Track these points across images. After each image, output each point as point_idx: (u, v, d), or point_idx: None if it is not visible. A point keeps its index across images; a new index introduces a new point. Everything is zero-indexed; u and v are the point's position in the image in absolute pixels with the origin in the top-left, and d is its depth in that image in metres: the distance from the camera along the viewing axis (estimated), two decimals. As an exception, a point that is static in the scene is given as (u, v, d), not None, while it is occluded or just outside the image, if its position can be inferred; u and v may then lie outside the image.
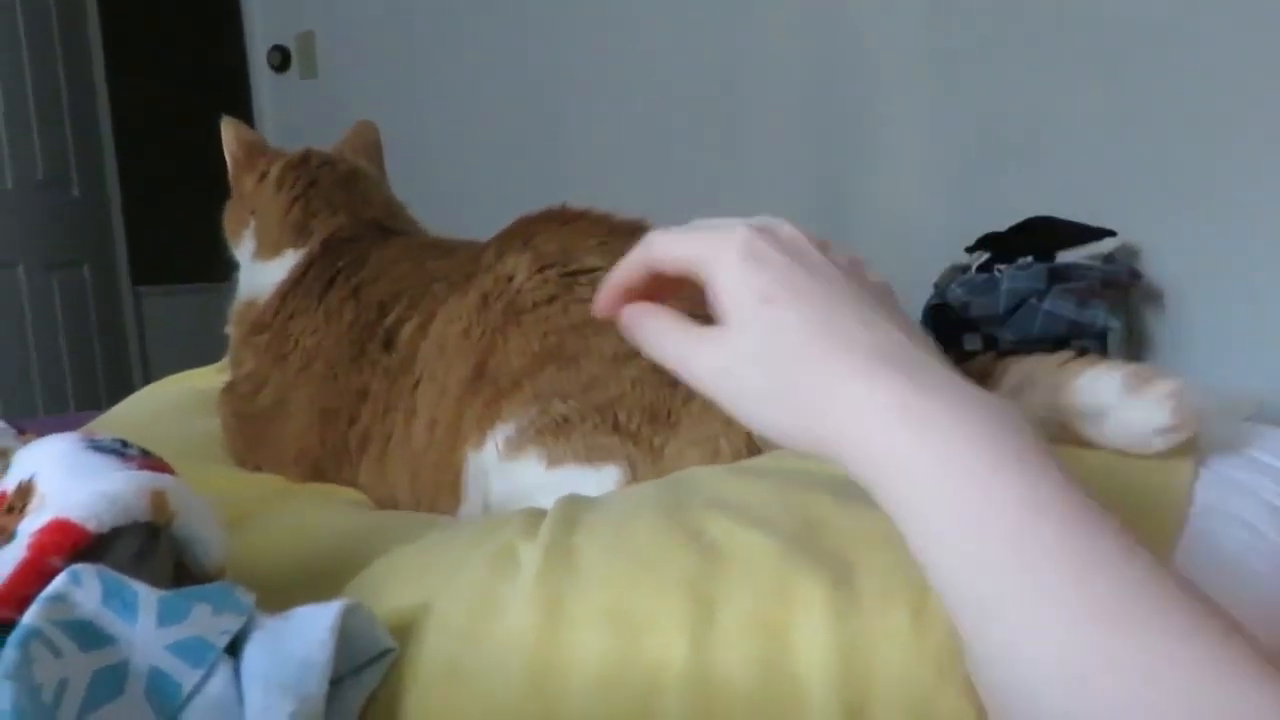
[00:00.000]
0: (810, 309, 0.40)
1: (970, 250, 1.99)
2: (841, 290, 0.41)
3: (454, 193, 2.39)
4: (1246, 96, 1.86)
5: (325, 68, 3.09)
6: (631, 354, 0.66)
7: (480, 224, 0.95)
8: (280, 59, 3.14)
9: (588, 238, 0.74)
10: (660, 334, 0.44)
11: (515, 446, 0.67)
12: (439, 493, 0.72)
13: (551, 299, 0.70)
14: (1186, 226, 1.95)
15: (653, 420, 0.65)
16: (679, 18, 2.53)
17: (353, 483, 0.77)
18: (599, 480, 0.65)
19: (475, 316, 0.72)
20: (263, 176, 0.91)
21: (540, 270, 0.71)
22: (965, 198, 2.20)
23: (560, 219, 0.77)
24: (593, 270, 0.70)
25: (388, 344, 0.77)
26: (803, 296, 0.40)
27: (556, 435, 0.66)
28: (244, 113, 3.16)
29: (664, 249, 0.43)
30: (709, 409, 0.65)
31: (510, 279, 0.72)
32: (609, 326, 0.66)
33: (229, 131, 0.95)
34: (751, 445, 0.65)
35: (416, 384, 0.74)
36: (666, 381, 0.65)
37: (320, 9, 3.07)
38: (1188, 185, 1.94)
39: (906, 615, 0.43)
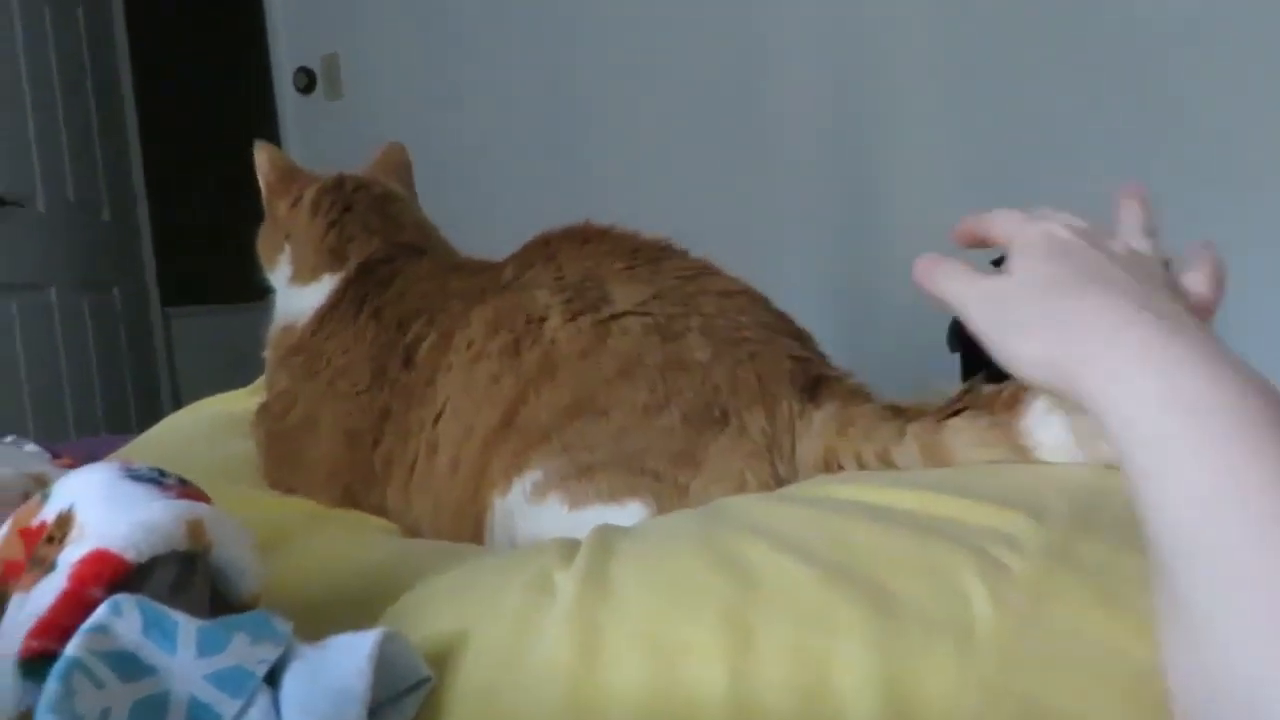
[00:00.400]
0: (1087, 266, 0.45)
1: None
2: (1123, 263, 0.45)
3: (480, 211, 2.40)
4: None
5: (350, 89, 3.12)
6: (661, 405, 0.66)
7: (506, 243, 0.94)
8: (306, 81, 3.17)
9: (613, 261, 0.73)
10: (948, 275, 0.50)
11: (540, 492, 0.67)
12: (459, 534, 0.72)
13: (585, 353, 0.69)
14: (1223, 229, 1.93)
15: (677, 464, 0.65)
16: (700, 32, 2.54)
17: (382, 506, 0.77)
18: (623, 517, 0.64)
19: (507, 363, 0.71)
20: (296, 201, 0.91)
21: (574, 319, 0.71)
22: (990, 204, 2.18)
23: (582, 237, 0.76)
24: (622, 316, 0.70)
25: (407, 361, 0.77)
26: (1082, 257, 0.45)
27: (580, 479, 0.66)
28: (270, 134, 3.19)
29: (994, 221, 0.52)
30: (734, 447, 0.65)
31: (542, 321, 0.71)
32: (642, 378, 0.67)
33: (262, 156, 0.95)
34: (777, 477, 0.65)
35: (438, 417, 0.74)
36: (694, 429, 0.65)
37: (344, 31, 3.11)
38: (1225, 187, 1.92)
39: (951, 645, 0.42)
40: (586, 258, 0.74)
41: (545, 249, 0.77)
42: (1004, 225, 0.50)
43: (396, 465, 0.76)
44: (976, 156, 2.22)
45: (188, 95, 4.14)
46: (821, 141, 2.42)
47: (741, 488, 0.64)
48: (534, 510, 0.67)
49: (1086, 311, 0.42)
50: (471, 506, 0.71)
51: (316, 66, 3.16)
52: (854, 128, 2.38)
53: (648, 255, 0.74)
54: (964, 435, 0.61)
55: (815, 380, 0.68)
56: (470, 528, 0.72)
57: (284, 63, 3.22)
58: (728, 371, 0.67)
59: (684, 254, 0.76)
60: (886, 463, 0.62)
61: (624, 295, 0.71)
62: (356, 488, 0.79)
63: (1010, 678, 0.41)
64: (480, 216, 2.17)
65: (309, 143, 3.17)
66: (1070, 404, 0.45)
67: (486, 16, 2.87)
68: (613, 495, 0.65)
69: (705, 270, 0.74)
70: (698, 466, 0.65)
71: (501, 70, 2.86)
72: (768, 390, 0.66)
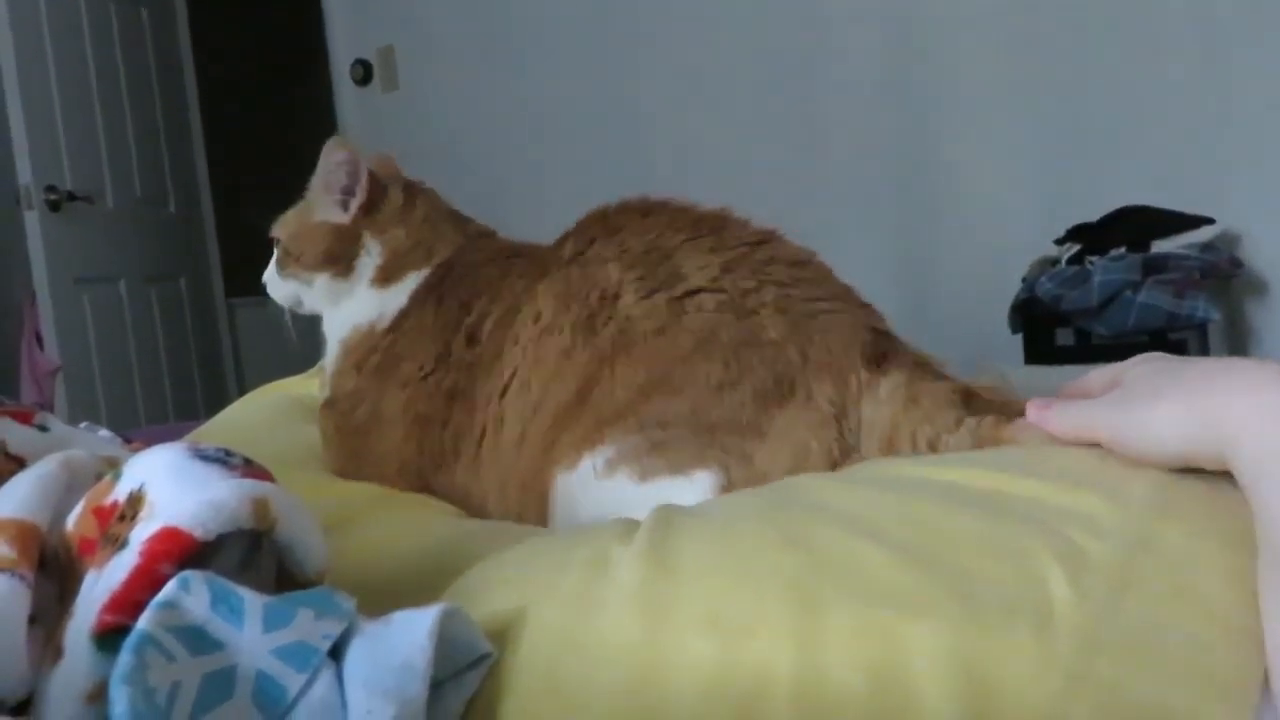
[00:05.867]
0: (1183, 359, 0.51)
1: (1060, 242, 1.93)
2: None
3: (534, 201, 2.41)
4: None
5: (406, 80, 3.15)
6: (734, 382, 0.66)
7: (558, 233, 0.95)
8: (362, 73, 3.21)
9: (675, 232, 0.72)
10: (1063, 408, 0.55)
11: (610, 468, 0.67)
12: (525, 509, 0.72)
13: (661, 330, 0.69)
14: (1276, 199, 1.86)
15: (744, 435, 0.65)
16: (757, 12, 2.52)
17: (453, 484, 0.77)
18: (692, 488, 0.64)
19: (580, 338, 0.71)
20: (383, 200, 0.86)
21: (648, 296, 0.70)
22: (1052, 187, 2.13)
23: (641, 210, 0.76)
24: (697, 293, 0.69)
25: (470, 339, 0.78)
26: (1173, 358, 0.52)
27: (650, 453, 0.66)
28: (328, 127, 3.25)
29: (1092, 378, 0.57)
30: (800, 416, 0.64)
31: (616, 298, 0.71)
32: (715, 353, 0.66)
33: (341, 154, 0.86)
34: (843, 447, 0.64)
35: (505, 389, 0.74)
36: (763, 403, 0.65)
37: (400, 24, 3.14)
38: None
39: (1029, 628, 0.41)
40: (648, 230, 0.73)
41: (604, 223, 0.76)
42: (1102, 374, 0.56)
43: (465, 441, 0.76)
44: (1036, 137, 2.17)
45: (249, 90, 4.22)
46: (879, 123, 2.39)
47: (806, 455, 0.63)
48: (602, 485, 0.67)
49: (1222, 375, 0.46)
50: (536, 482, 0.71)
51: (373, 59, 3.20)
52: (912, 109, 2.34)
53: (710, 224, 0.73)
54: (1028, 433, 0.60)
55: (885, 353, 0.67)
56: (535, 503, 0.71)
57: (341, 56, 3.26)
58: (800, 347, 0.66)
59: (745, 222, 0.75)
60: (935, 450, 0.61)
61: (695, 269, 0.70)
62: (427, 472, 0.79)
63: (1092, 664, 0.40)
64: (534, 206, 2.18)
65: (366, 134, 3.21)
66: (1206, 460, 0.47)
67: (541, 6, 2.87)
68: (680, 467, 0.65)
69: (770, 237, 0.73)
70: (763, 436, 0.64)
71: (554, 60, 2.86)
72: (839, 362, 0.66)
